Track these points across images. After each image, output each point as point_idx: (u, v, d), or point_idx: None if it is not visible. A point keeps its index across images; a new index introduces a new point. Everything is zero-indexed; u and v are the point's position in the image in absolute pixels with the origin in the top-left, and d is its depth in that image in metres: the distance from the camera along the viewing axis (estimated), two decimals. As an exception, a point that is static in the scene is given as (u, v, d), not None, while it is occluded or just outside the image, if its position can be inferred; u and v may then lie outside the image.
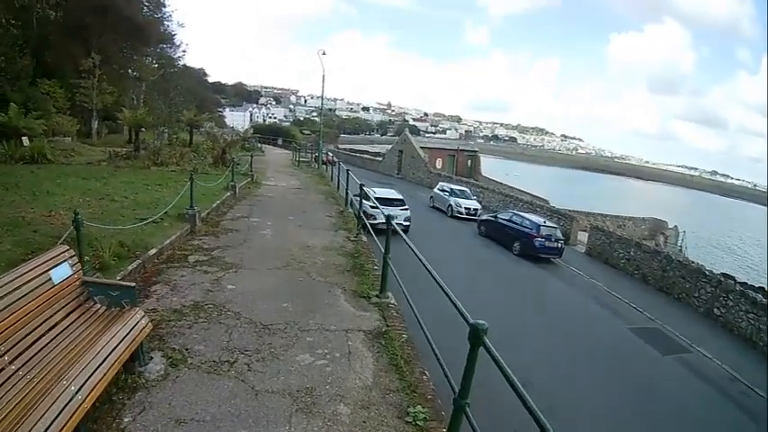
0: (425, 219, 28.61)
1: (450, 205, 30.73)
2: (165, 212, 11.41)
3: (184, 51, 67.18)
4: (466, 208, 30.29)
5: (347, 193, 16.23)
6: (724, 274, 22.41)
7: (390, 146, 60.58)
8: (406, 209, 20.47)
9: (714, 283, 19.74)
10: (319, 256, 10.22)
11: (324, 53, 33.10)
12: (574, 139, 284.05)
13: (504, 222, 24.65)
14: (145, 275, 8.32)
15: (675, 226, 44.57)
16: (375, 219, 15.95)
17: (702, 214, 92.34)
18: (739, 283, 21.27)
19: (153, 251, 9.16)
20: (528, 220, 23.70)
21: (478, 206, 31.05)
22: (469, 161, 56.47)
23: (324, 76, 33.54)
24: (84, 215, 10.33)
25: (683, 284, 21.26)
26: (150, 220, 10.55)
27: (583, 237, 28.84)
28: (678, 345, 15.04)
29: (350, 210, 15.62)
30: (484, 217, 27.39)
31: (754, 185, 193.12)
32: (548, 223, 23.65)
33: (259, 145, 49.31)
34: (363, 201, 13.47)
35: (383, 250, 7.89)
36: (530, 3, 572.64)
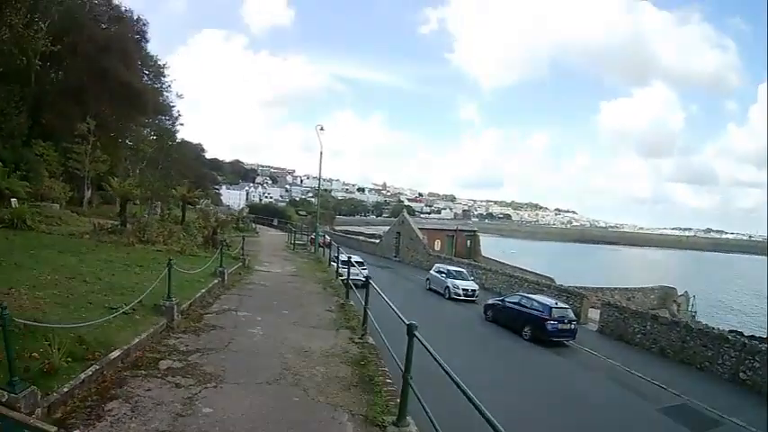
0: (424, 303, 28.56)
1: (447, 287, 30.36)
2: (140, 301, 10.02)
3: (182, 124, 66.59)
4: (464, 289, 29.89)
5: (347, 283, 14.85)
6: (738, 334, 22.51)
7: (387, 227, 59.79)
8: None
9: (738, 347, 19.16)
10: (319, 365, 8.58)
11: (321, 128, 32.67)
12: (567, 212, 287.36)
13: (513, 306, 23.68)
14: (102, 385, 6.86)
15: (686, 291, 43.26)
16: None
17: (704, 273, 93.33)
18: (756, 338, 21.91)
19: (116, 353, 7.70)
20: (537, 302, 22.70)
21: (476, 287, 30.76)
22: (469, 241, 55.84)
23: (321, 152, 32.92)
24: (48, 298, 9.48)
25: (704, 353, 20.46)
26: (122, 311, 9.14)
27: (594, 314, 27.76)
28: (710, 419, 14.53)
29: (351, 302, 14.09)
30: (490, 301, 26.18)
31: (750, 236, 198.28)
32: (559, 304, 22.79)
33: (254, 225, 48.04)
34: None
35: (402, 368, 6.25)
36: (518, 76, 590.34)
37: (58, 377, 6.38)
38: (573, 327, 21.86)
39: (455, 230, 56.30)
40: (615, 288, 40.77)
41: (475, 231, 58.26)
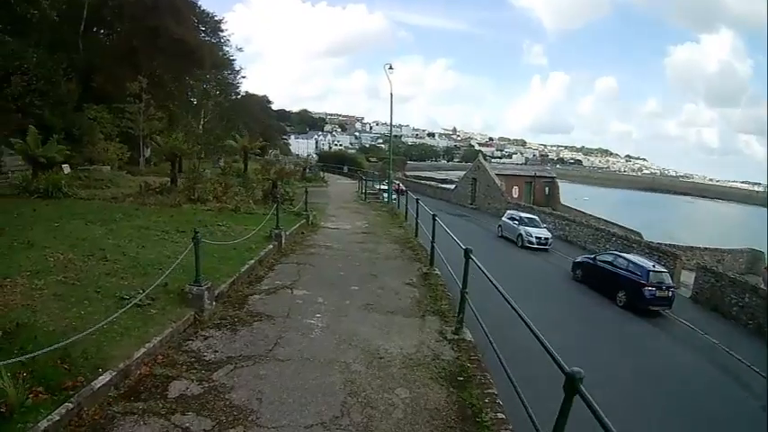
0: (501, 252, 27.43)
1: (520, 234, 29.65)
2: (165, 285, 7.89)
3: (244, 77, 66.29)
4: (537, 237, 29.27)
5: (433, 246, 11.79)
6: None
7: (458, 172, 56.70)
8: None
9: None
10: (399, 387, 5.84)
11: (390, 67, 29.64)
12: (638, 159, 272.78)
13: (605, 266, 21.66)
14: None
15: None
16: None
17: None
18: None
19: (105, 377, 5.40)
20: (633, 263, 20.64)
21: (549, 235, 30.02)
22: (547, 188, 52.88)
23: (392, 93, 29.93)
24: (48, 288, 7.87)
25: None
26: (134, 302, 6.99)
27: (686, 278, 24.99)
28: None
29: (436, 271, 11.41)
30: (579, 259, 24.28)
31: None
32: (657, 267, 20.63)
33: (322, 174, 45.72)
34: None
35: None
36: (585, 19, 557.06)
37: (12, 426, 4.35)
38: (671, 294, 19.69)
39: (533, 176, 53.02)
40: (705, 248, 36.69)
41: (554, 178, 55.09)
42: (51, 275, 8.40)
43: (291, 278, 10.29)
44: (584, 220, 37.29)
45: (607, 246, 30.10)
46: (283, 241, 13.11)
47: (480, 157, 56.33)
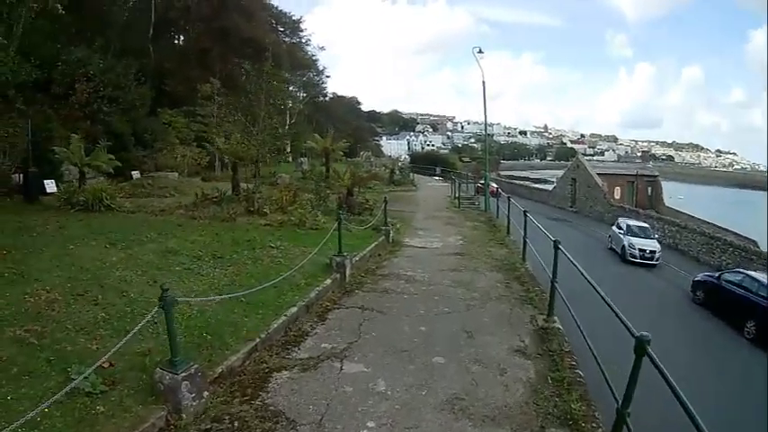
0: (603, 267, 23.51)
1: (623, 246, 26.21)
2: (146, 354, 5.73)
3: (328, 76, 66.02)
4: (640, 249, 25.33)
5: (554, 286, 8.18)
6: None
7: (552, 171, 52.84)
8: None
9: None
10: None
11: (480, 51, 26.73)
12: (728, 153, 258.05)
13: (731, 288, 18.09)
14: None
15: None
16: None
17: None
18: None
19: None
20: (766, 287, 16.77)
21: (657, 247, 25.81)
22: (649, 188, 48.25)
23: (483, 81, 26.59)
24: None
25: None
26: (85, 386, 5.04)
27: None
28: None
29: (557, 324, 7.98)
30: (700, 277, 20.58)
31: None
32: None
33: (411, 176, 42.62)
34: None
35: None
36: (666, 6, 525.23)
37: None
38: None
39: (635, 175, 48.35)
40: None
41: (657, 176, 50.21)
42: (12, 326, 6.41)
43: (347, 337, 7.26)
44: (695, 225, 32.81)
45: (722, 257, 26.27)
46: (348, 272, 10.09)
47: (579, 155, 52.66)
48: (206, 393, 5.13)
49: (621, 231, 27.11)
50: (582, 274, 6.20)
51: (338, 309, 8.58)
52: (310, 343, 6.99)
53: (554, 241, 7.77)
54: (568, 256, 7.15)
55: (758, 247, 28.59)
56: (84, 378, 4.73)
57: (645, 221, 30.90)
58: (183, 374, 4.87)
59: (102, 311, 7.08)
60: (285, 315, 7.41)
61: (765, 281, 16.90)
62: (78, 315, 6.91)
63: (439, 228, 18.64)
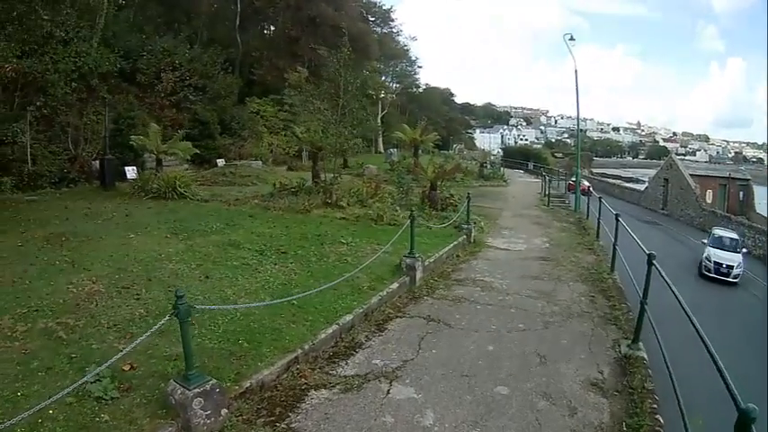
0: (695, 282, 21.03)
1: (703, 258, 22.17)
2: (175, 359, 5.43)
3: (420, 67, 65.55)
4: (716, 263, 21.13)
5: (643, 309, 6.68)
6: None
7: (644, 170, 49.59)
8: None
9: None
10: None
11: (572, 38, 24.72)
12: None
13: None
14: None
15: None
16: None
17: None
18: None
19: None
20: None
21: (737, 262, 21.32)
22: (741, 193, 43.84)
23: (576, 70, 24.29)
24: (29, 335, 5.86)
25: None
26: (96, 390, 4.72)
27: None
28: None
29: (642, 353, 6.76)
30: None
31: None
32: None
33: (502, 171, 40.96)
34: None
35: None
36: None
37: None
38: None
39: (728, 178, 44.35)
40: None
41: (749, 180, 45.34)
42: (46, 317, 6.29)
43: (404, 352, 6.37)
44: None
45: None
46: (418, 275, 9.15)
47: (673, 155, 50.23)
48: (224, 411, 4.45)
49: (709, 240, 23.65)
50: (678, 300, 4.94)
51: (401, 317, 7.70)
52: (361, 357, 6.17)
53: (648, 255, 6.47)
54: (663, 274, 5.86)
55: None
56: (97, 380, 4.52)
57: (736, 230, 28.18)
58: (197, 390, 4.22)
59: (142, 307, 6.75)
60: (337, 323, 6.61)
61: None
62: (116, 310, 6.69)
63: (525, 227, 17.36)
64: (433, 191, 17.02)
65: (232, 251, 9.78)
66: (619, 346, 7.21)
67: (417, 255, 9.36)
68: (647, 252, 6.48)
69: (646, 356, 6.66)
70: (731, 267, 20.79)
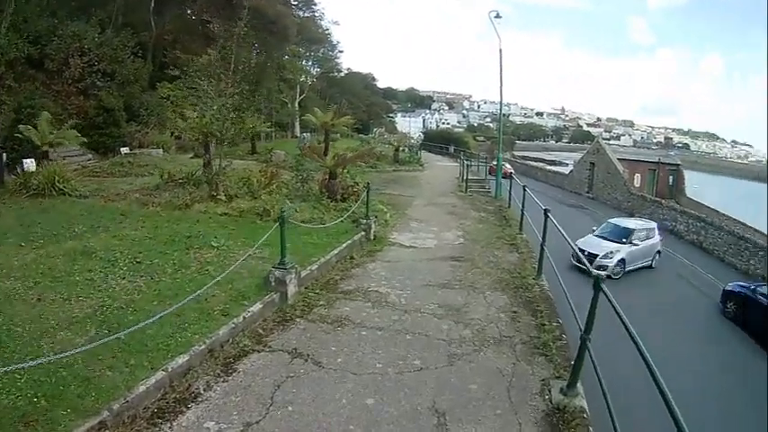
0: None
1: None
2: None
3: (341, 51, 64.16)
4: (589, 254, 18.42)
5: (585, 334, 4.76)
6: None
7: (570, 154, 50.20)
8: None
9: None
10: None
11: (497, 15, 23.29)
12: (744, 144, 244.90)
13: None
14: None
15: None
16: None
17: None
18: None
19: None
20: None
21: (609, 251, 19.20)
22: (671, 177, 45.00)
23: (501, 49, 22.91)
24: None
25: None
26: None
27: None
28: None
29: (579, 402, 5.14)
30: (732, 287, 17.54)
31: None
32: None
33: (419, 155, 39.60)
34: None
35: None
36: None
37: None
38: None
39: (657, 163, 45.14)
40: None
41: (679, 165, 46.77)
42: None
43: (249, 411, 4.73)
44: (722, 222, 29.26)
45: (751, 261, 23.10)
46: (291, 291, 7.36)
47: (600, 139, 49.88)
48: None
49: (597, 230, 21.64)
50: (632, 337, 3.58)
51: (260, 352, 5.95)
52: (191, 417, 4.58)
53: (595, 278, 4.63)
54: (613, 303, 4.10)
55: None
56: None
57: (667, 215, 28.62)
58: None
59: None
60: (165, 369, 4.93)
61: None
62: None
63: (438, 219, 15.63)
64: (332, 179, 15.16)
65: (81, 262, 8.00)
66: (549, 390, 5.48)
67: (291, 265, 7.50)
68: (594, 274, 4.78)
69: (586, 406, 5.11)
70: (594, 256, 18.63)
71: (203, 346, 5.50)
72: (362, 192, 13.52)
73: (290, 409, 4.79)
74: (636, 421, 4.94)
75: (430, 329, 6.93)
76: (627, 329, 3.70)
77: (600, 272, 5.03)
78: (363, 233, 11.45)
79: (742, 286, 17.29)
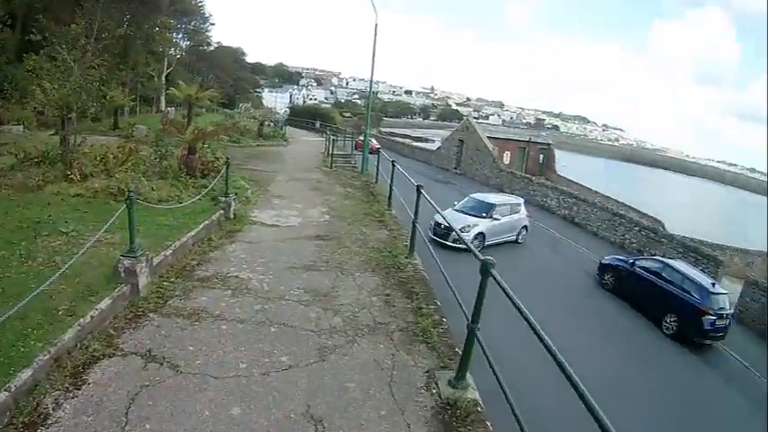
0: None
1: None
2: None
3: (213, 24, 61.06)
4: (435, 224, 18.41)
5: (472, 323, 4.48)
6: None
7: (438, 131, 51.47)
8: None
9: None
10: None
11: None
12: (615, 129, 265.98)
13: (648, 277, 16.47)
14: None
15: None
16: None
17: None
18: None
19: None
20: (689, 279, 15.54)
21: (473, 232, 18.43)
22: (542, 156, 47.28)
23: (377, 24, 21.64)
24: None
25: None
26: None
27: (727, 287, 18.48)
28: None
29: (470, 395, 4.73)
30: (608, 260, 18.50)
31: None
32: (718, 288, 15.53)
33: (283, 130, 38.61)
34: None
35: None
36: None
37: None
38: (729, 322, 15.11)
39: (528, 142, 47.01)
40: (736, 249, 31.64)
41: (550, 144, 49.41)
42: None
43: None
44: (597, 200, 30.56)
45: (626, 236, 24.46)
46: (142, 282, 6.41)
47: (470, 117, 51.63)
48: None
49: (458, 204, 20.64)
50: (529, 322, 3.32)
51: (110, 357, 5.00)
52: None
53: (483, 261, 4.23)
54: (506, 289, 3.77)
55: (661, 227, 27.59)
56: None
57: (539, 191, 29.53)
58: None
59: None
60: (7, 390, 4.02)
61: (689, 274, 15.78)
62: None
63: (302, 195, 15.04)
64: (192, 155, 14.04)
65: None
66: (436, 383, 4.92)
67: (141, 252, 6.51)
68: (482, 258, 4.28)
69: (479, 398, 4.68)
70: (449, 230, 17.37)
71: (48, 356, 4.60)
72: (223, 167, 12.55)
73: (147, 427, 4.05)
74: (535, 409, 4.95)
75: (296, 319, 6.22)
76: (521, 313, 3.43)
77: (490, 258, 4.22)
78: (222, 212, 10.61)
79: (619, 260, 18.18)
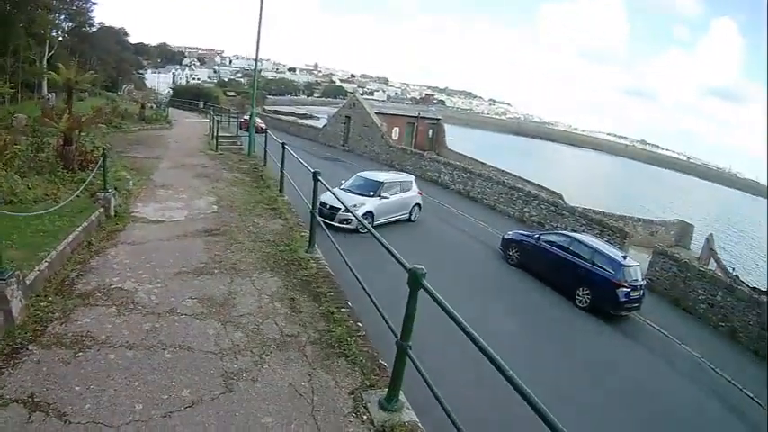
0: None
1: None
2: None
3: (95, 3, 55.09)
4: (321, 204, 15.93)
5: (402, 342, 3.76)
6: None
7: (323, 108, 50.31)
8: None
9: None
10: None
11: None
12: (502, 103, 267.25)
13: (556, 252, 15.79)
14: None
15: (711, 234, 34.41)
16: None
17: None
18: None
19: None
20: (600, 253, 15.05)
21: (358, 207, 16.49)
22: (431, 131, 46.40)
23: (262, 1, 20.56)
24: None
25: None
26: None
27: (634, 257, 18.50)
28: None
29: (407, 416, 3.97)
30: (511, 235, 17.79)
31: (688, 158, 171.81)
32: (629, 260, 15.06)
33: (166, 113, 35.63)
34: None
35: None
36: None
37: None
38: (643, 292, 14.80)
39: (416, 117, 45.88)
40: (638, 219, 32.64)
41: (439, 120, 48.57)
42: None
43: None
44: (491, 173, 29.83)
45: (525, 209, 24.04)
46: (16, 309, 5.01)
47: (357, 94, 50.11)
48: None
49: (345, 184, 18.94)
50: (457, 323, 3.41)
51: None
52: None
53: (411, 272, 3.49)
54: (439, 299, 3.10)
55: (561, 200, 27.19)
56: None
57: (430, 166, 28.35)
58: None
59: None
60: None
61: (599, 248, 15.38)
62: None
63: (187, 183, 13.39)
64: (68, 146, 12.08)
65: None
66: (365, 406, 4.10)
67: (9, 273, 5.03)
68: (410, 267, 3.53)
69: (417, 419, 3.95)
70: (337, 210, 16.17)
71: None
72: (107, 157, 10.87)
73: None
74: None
75: (193, 338, 5.11)
76: (451, 316, 2.99)
77: (420, 267, 3.42)
78: (102, 209, 9.11)
79: (524, 234, 17.48)
